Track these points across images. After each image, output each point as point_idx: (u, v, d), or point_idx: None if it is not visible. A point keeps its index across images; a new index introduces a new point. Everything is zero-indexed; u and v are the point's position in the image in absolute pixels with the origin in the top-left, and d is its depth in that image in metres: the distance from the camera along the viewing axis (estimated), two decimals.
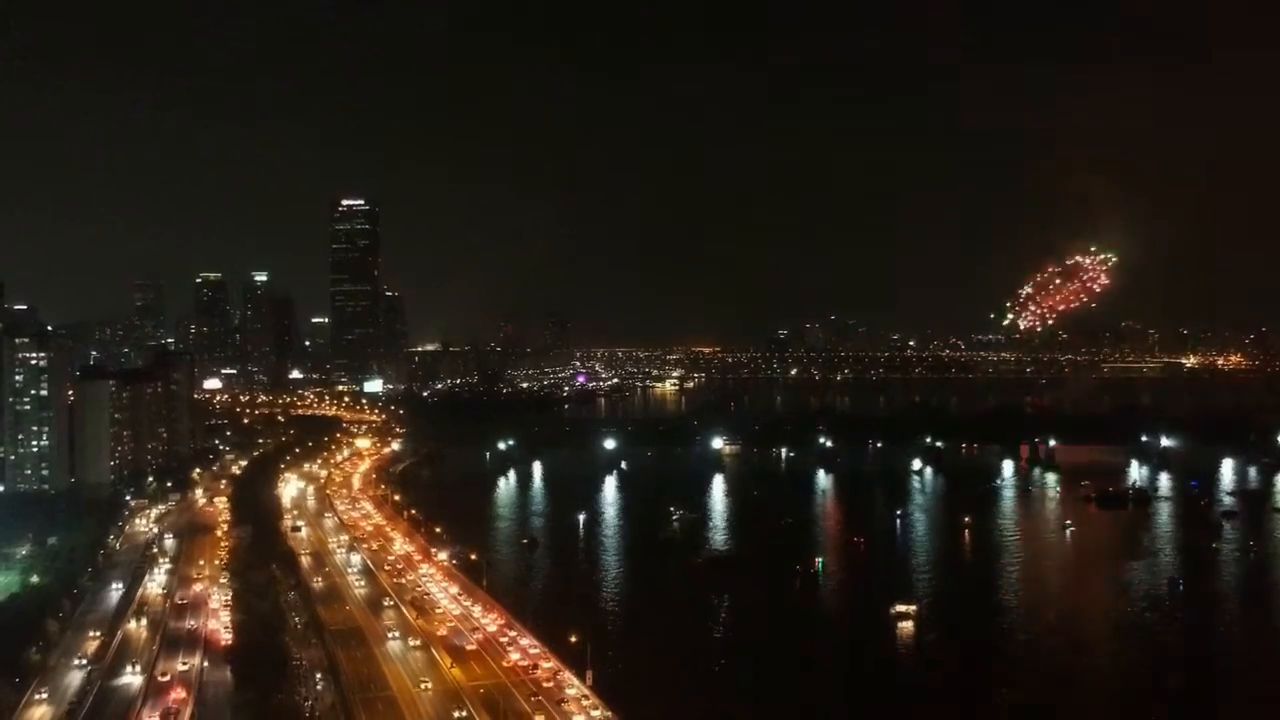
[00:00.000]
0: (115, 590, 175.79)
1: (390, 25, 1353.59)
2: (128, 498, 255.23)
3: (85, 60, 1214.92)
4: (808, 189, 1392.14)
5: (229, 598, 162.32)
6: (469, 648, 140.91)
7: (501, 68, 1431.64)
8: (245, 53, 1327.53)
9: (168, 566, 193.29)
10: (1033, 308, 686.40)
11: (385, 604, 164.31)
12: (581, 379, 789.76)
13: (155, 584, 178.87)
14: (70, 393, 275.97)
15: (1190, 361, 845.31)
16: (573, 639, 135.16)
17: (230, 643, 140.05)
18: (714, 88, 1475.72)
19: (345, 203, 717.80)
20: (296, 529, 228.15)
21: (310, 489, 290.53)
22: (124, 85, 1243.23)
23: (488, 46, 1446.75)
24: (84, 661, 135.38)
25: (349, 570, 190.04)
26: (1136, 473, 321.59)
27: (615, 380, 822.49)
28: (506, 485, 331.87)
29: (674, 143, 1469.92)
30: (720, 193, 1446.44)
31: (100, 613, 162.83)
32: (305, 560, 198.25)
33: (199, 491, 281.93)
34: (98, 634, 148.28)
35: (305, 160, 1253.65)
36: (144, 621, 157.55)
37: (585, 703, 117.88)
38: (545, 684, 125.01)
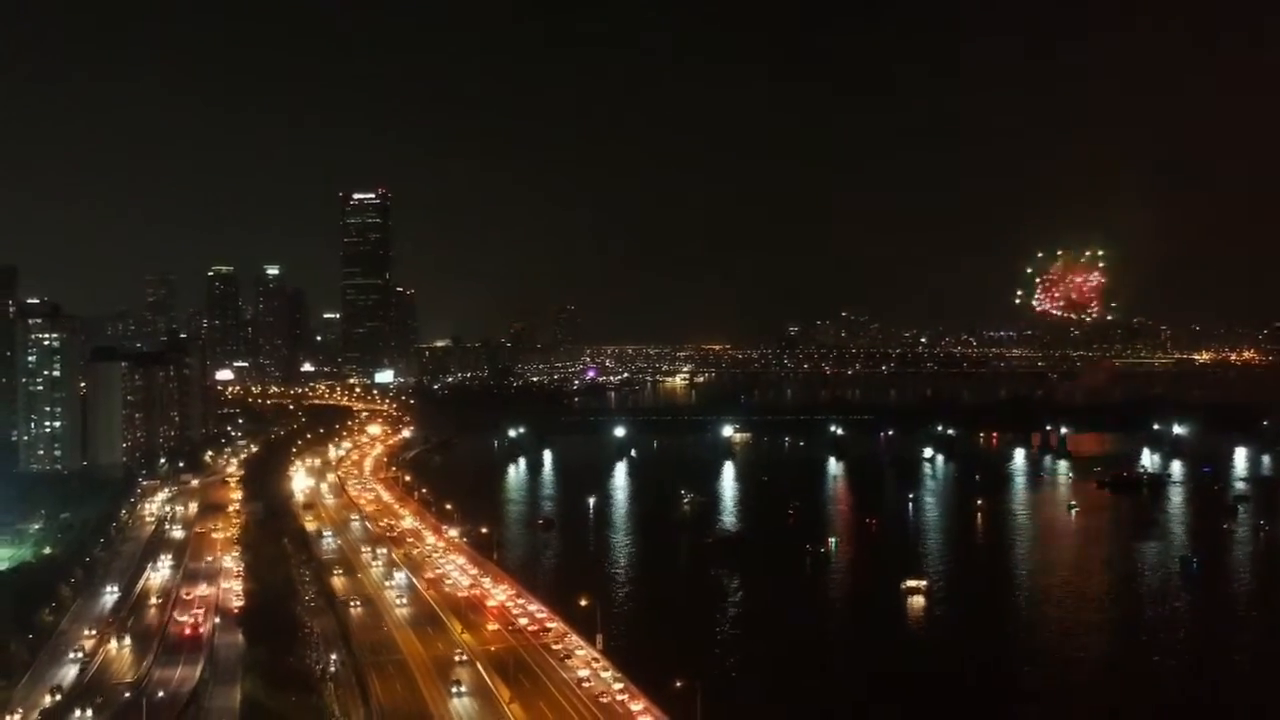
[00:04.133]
0: (127, 561, 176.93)
1: (404, 20, 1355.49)
2: (140, 478, 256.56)
3: (98, 55, 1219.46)
4: (820, 185, 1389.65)
5: (240, 569, 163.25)
6: (460, 594, 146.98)
7: (512, 65, 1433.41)
8: (259, 47, 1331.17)
9: (179, 540, 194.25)
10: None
11: (396, 576, 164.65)
12: (591, 373, 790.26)
13: (167, 556, 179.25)
14: (83, 380, 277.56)
15: (1203, 357, 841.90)
16: (583, 603, 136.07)
17: (241, 608, 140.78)
18: (724, 86, 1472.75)
19: (356, 197, 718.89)
20: (308, 506, 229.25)
21: (322, 472, 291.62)
22: (136, 79, 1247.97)
23: (499, 43, 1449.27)
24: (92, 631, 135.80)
25: (364, 550, 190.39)
26: (1149, 460, 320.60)
27: (625, 375, 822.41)
28: (517, 471, 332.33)
29: (684, 141, 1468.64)
30: (732, 191, 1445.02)
31: (111, 584, 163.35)
32: (315, 534, 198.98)
33: (211, 473, 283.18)
34: (113, 591, 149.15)
35: (317, 155, 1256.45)
36: (157, 584, 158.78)
37: (596, 665, 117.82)
38: (554, 646, 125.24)
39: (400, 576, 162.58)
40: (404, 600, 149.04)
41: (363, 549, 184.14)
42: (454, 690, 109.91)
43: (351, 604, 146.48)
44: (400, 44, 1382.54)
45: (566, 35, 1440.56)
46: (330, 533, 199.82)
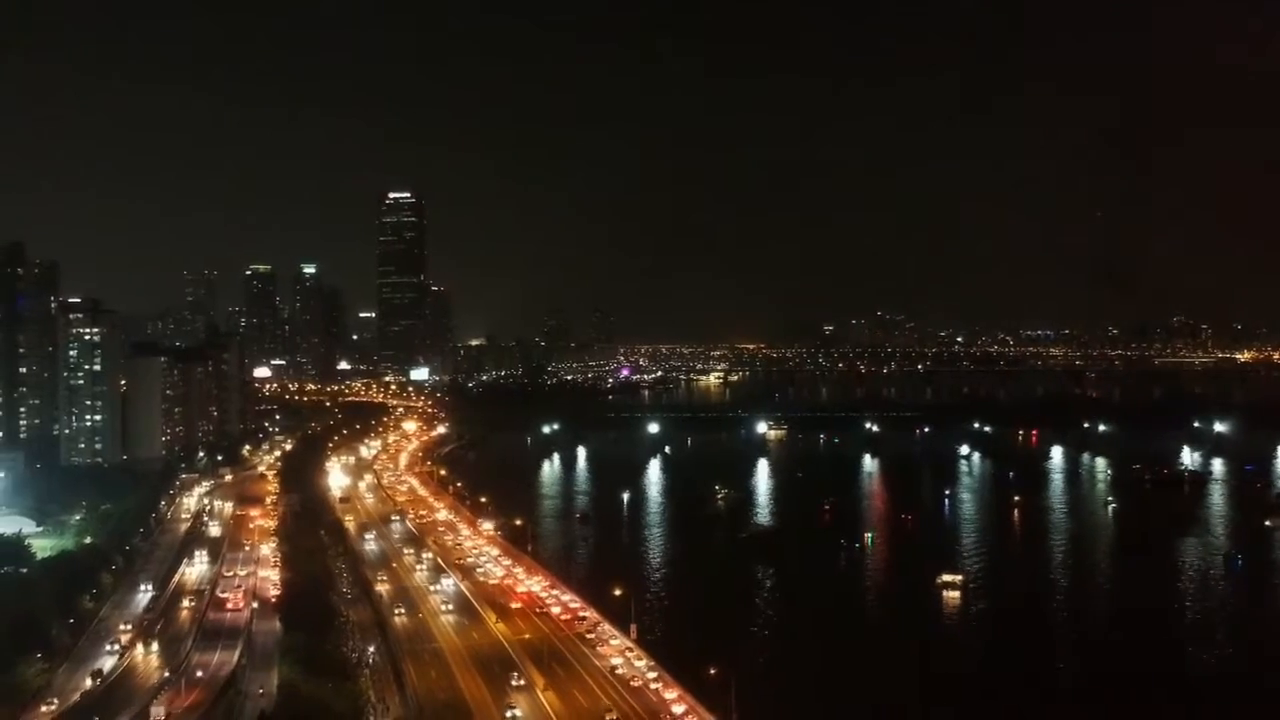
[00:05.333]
0: (166, 550, 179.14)
1: (437, 19, 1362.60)
2: (179, 471, 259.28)
3: (137, 57, 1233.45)
4: (854, 186, 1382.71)
5: (277, 559, 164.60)
6: (491, 582, 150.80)
7: (543, 65, 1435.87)
8: (294, 47, 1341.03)
9: (218, 530, 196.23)
10: None
11: (444, 581, 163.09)
12: (625, 371, 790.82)
13: (205, 545, 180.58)
14: (123, 376, 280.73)
15: (1244, 356, 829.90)
16: (617, 592, 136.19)
17: (279, 596, 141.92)
18: (760, 86, 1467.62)
19: (392, 196, 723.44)
20: (345, 500, 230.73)
21: (358, 467, 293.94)
22: (173, 80, 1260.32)
23: (530, 43, 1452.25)
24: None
25: (399, 540, 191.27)
26: (1189, 458, 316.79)
27: (659, 374, 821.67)
28: (551, 467, 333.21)
29: (719, 141, 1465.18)
30: (767, 191, 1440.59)
31: (150, 571, 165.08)
32: (352, 528, 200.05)
33: (249, 468, 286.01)
34: (147, 590, 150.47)
35: (353, 154, 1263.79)
36: (196, 575, 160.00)
37: (630, 654, 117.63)
38: (587, 635, 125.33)
39: (448, 583, 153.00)
40: (450, 606, 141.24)
41: (405, 551, 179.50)
42: (509, 715, 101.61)
43: (397, 613, 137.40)
44: (434, 43, 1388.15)
45: (599, 33, 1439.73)
46: (372, 536, 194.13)
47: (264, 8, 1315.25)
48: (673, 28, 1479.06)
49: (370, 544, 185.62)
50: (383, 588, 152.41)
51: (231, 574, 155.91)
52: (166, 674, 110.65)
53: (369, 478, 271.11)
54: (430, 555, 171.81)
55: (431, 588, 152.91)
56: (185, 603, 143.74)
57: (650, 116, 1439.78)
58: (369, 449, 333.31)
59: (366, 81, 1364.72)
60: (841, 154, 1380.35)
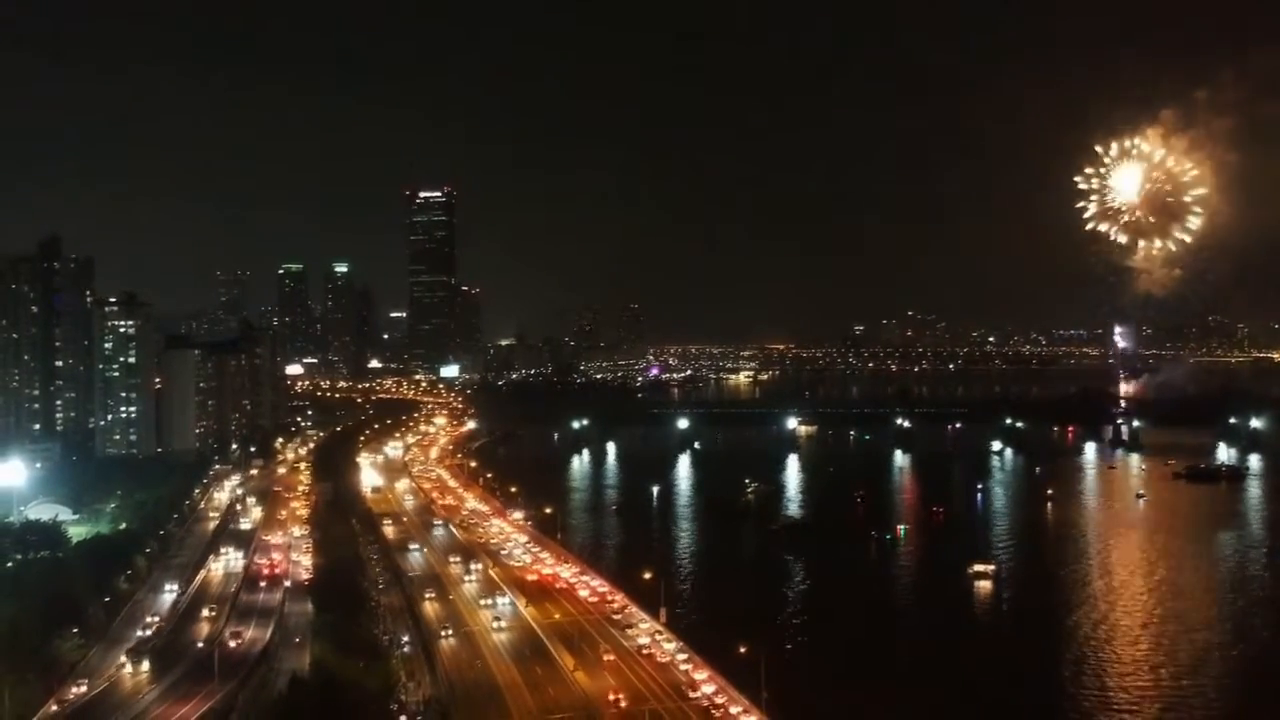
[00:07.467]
0: (199, 538, 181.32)
1: (469, 19, 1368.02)
2: (213, 462, 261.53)
3: (170, 58, 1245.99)
4: (885, 185, 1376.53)
5: (310, 545, 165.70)
6: (516, 565, 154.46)
7: (578, 65, 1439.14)
8: (330, 48, 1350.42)
9: (250, 521, 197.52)
10: None
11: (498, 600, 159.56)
12: (654, 370, 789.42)
13: (238, 534, 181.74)
14: (157, 372, 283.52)
15: None
16: (646, 576, 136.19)
17: (310, 579, 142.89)
18: (785, 86, 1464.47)
19: (423, 194, 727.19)
20: (377, 490, 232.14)
21: (388, 459, 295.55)
22: (207, 80, 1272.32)
23: (565, 44, 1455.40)
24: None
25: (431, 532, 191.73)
26: (1225, 453, 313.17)
27: (689, 373, 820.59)
28: (581, 461, 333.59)
29: (747, 140, 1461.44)
30: (796, 191, 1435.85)
31: (184, 557, 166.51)
32: (385, 521, 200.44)
33: (281, 460, 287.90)
34: (171, 589, 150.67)
35: (386, 154, 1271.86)
36: (225, 567, 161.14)
37: (660, 636, 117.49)
38: (615, 617, 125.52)
39: (504, 602, 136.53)
40: (503, 624, 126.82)
41: (451, 557, 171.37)
42: None
43: (444, 634, 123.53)
44: (467, 43, 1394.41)
45: (631, 35, 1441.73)
46: (417, 545, 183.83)
47: (297, 7, 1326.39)
48: (707, 32, 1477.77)
49: (411, 546, 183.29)
50: (413, 572, 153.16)
51: (268, 539, 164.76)
52: (200, 645, 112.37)
53: (401, 472, 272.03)
54: (497, 582, 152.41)
55: (488, 613, 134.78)
56: (215, 594, 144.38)
57: (684, 118, 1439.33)
58: (400, 443, 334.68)
59: (399, 81, 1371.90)
60: (873, 152, 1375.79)
